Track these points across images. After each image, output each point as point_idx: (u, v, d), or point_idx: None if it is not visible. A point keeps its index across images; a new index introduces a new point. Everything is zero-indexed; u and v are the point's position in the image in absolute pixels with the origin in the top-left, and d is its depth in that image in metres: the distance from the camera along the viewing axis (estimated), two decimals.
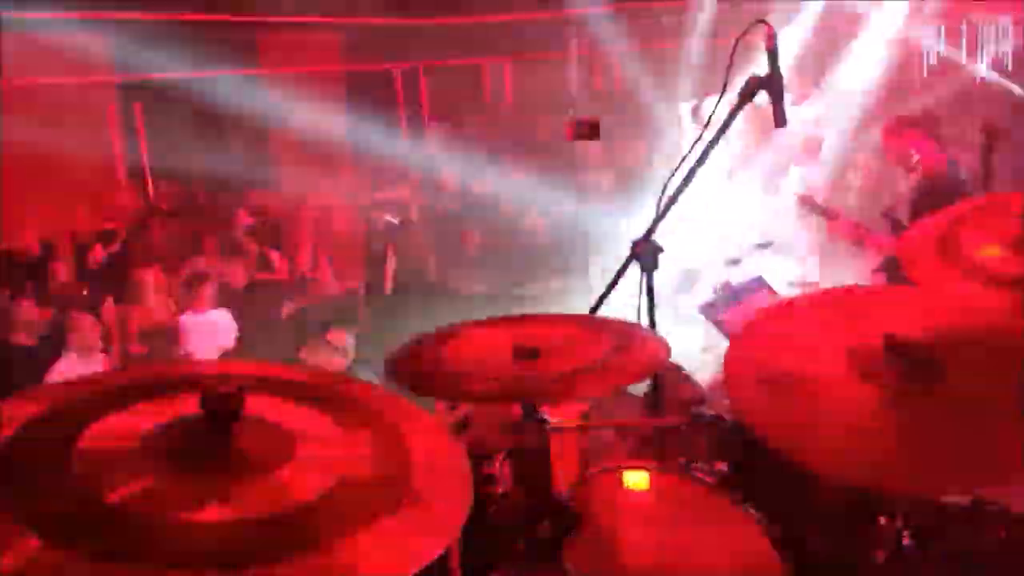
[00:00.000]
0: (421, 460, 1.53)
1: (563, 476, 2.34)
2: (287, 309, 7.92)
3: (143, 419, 1.47)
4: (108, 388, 1.58)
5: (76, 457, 1.35)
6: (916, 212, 5.13)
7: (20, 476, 1.30)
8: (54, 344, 6.23)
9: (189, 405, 1.46)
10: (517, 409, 2.47)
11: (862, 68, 10.47)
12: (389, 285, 8.70)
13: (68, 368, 5.92)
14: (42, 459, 1.34)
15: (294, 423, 1.55)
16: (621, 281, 2.77)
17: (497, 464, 2.22)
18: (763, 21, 2.50)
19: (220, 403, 1.43)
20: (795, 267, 8.60)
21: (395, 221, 9.64)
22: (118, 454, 1.38)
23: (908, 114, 5.52)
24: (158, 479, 1.35)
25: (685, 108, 8.88)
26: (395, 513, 1.39)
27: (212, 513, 1.30)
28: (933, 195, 5.06)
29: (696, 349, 6.94)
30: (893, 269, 5.07)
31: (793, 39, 9.70)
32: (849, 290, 2.71)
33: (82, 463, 1.34)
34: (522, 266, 9.99)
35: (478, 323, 2.63)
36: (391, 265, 8.77)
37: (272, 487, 1.39)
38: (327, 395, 1.69)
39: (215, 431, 1.44)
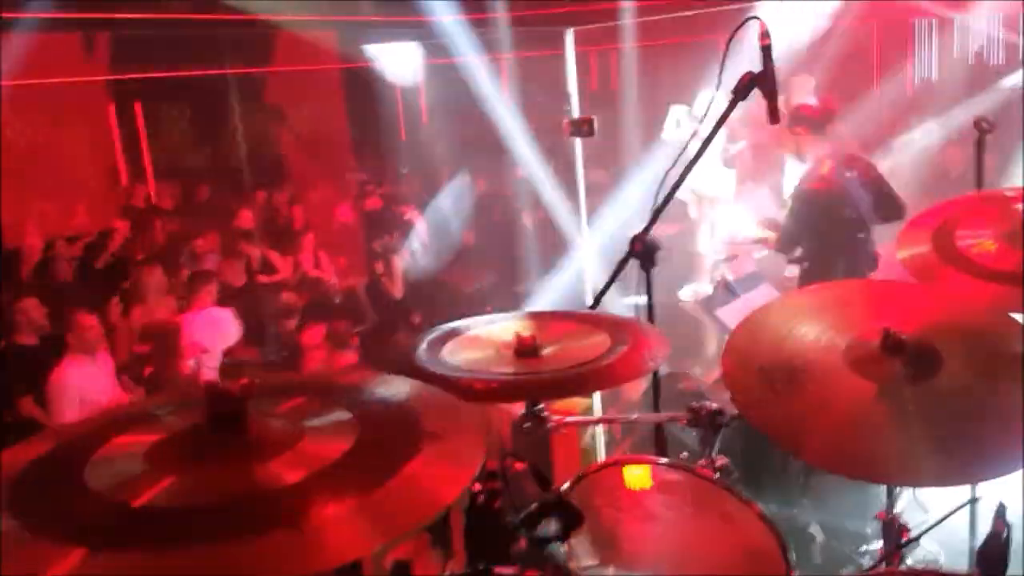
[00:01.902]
0: (424, 410, 1.64)
1: (565, 471, 2.36)
2: (290, 308, 7.92)
3: (145, 437, 1.52)
4: (106, 420, 1.66)
5: (93, 476, 1.42)
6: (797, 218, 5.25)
7: (45, 499, 1.38)
8: (56, 343, 6.25)
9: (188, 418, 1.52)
10: (518, 406, 2.49)
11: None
12: (399, 285, 8.66)
13: (72, 367, 5.94)
14: (61, 485, 1.42)
15: (295, 410, 1.62)
16: (619, 277, 2.78)
17: (499, 460, 2.23)
18: (756, 18, 2.51)
19: (223, 404, 1.45)
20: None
21: (404, 218, 9.64)
22: (132, 466, 1.44)
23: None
24: (177, 478, 1.39)
25: (679, 108, 8.88)
26: (421, 451, 1.47)
27: (260, 480, 1.39)
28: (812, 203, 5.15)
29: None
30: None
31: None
32: (846, 285, 2.73)
33: (100, 480, 1.41)
34: (522, 263, 10.00)
35: (479, 320, 2.64)
36: (399, 264, 8.75)
37: (296, 456, 1.45)
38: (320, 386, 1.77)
39: (222, 430, 1.45)
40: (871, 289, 2.42)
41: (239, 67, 12.14)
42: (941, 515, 2.28)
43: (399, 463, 1.43)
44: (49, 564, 1.22)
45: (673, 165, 2.67)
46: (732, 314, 4.91)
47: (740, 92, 2.49)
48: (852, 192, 5.13)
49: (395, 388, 1.74)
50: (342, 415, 1.59)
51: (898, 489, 2.54)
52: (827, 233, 5.07)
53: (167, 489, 1.37)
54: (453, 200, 11.00)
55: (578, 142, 6.03)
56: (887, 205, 5.30)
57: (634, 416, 3.34)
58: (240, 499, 1.35)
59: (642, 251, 2.62)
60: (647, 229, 2.65)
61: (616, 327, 2.47)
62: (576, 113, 5.72)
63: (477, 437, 1.56)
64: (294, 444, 1.47)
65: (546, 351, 2.33)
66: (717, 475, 2.28)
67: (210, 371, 6.29)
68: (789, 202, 5.37)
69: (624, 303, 2.80)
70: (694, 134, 2.91)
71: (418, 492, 1.39)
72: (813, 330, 2.12)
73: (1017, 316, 2.21)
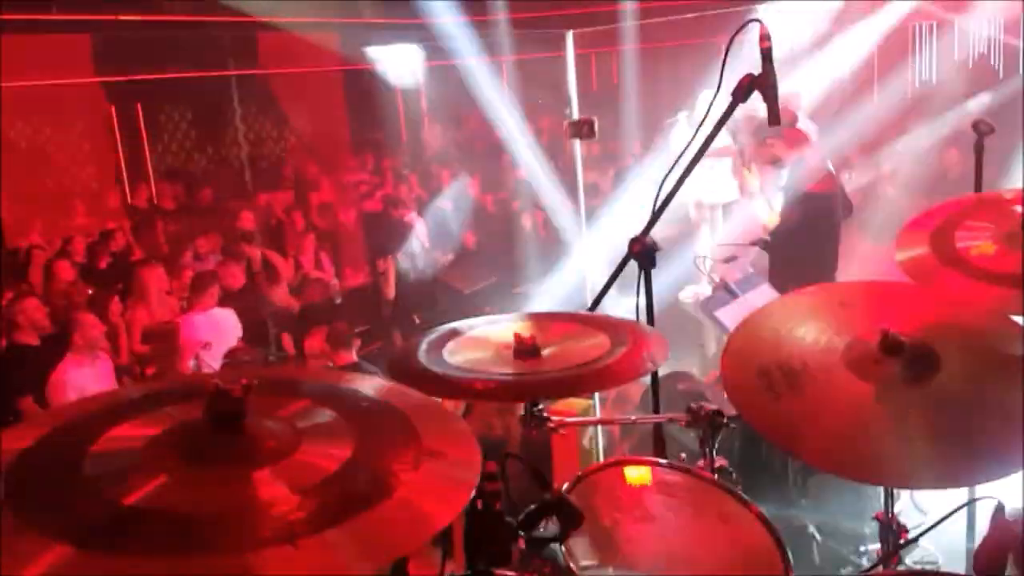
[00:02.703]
0: (422, 423, 1.60)
1: (564, 472, 2.36)
2: (290, 309, 7.93)
3: (145, 428, 1.50)
4: (106, 406, 1.62)
5: (88, 467, 1.38)
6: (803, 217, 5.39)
7: (37, 491, 1.34)
8: (58, 343, 6.25)
9: (188, 412, 1.50)
10: (518, 406, 2.50)
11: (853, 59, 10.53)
12: (392, 287, 8.69)
13: (72, 367, 5.94)
14: (55, 474, 1.38)
15: (294, 414, 1.59)
16: (619, 279, 2.79)
17: (499, 460, 2.24)
18: (757, 20, 2.52)
19: (224, 403, 1.45)
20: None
21: (404, 220, 9.65)
22: (128, 459, 1.41)
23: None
24: (171, 477, 1.37)
25: (681, 112, 8.92)
26: (418, 469, 1.45)
27: (255, 491, 1.36)
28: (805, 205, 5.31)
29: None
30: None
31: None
32: (845, 286, 2.73)
33: (94, 471, 1.38)
34: (522, 264, 10.00)
35: (479, 321, 2.65)
36: (392, 266, 8.77)
37: (293, 466, 1.42)
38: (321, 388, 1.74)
39: (221, 430, 1.45)
40: (870, 290, 2.42)
41: (240, 68, 12.15)
42: (939, 516, 2.29)
43: (395, 482, 1.40)
44: (31, 559, 1.18)
45: (672, 167, 2.67)
46: (731, 315, 4.93)
47: (740, 94, 2.50)
48: (839, 191, 5.35)
49: (396, 397, 1.72)
50: (341, 422, 1.56)
51: (896, 490, 2.55)
52: (825, 230, 5.27)
53: (159, 490, 1.34)
54: (453, 201, 11.00)
55: (578, 144, 6.04)
56: (844, 205, 5.56)
57: (633, 417, 3.35)
58: (231, 511, 1.32)
59: (641, 252, 2.62)
60: (646, 231, 2.65)
61: (615, 328, 2.47)
62: (576, 115, 5.74)
63: (474, 456, 1.54)
64: (290, 453, 1.45)
65: (546, 352, 2.34)
66: (716, 476, 2.28)
67: (211, 370, 6.29)
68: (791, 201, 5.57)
69: (624, 304, 2.79)
70: (693, 137, 2.92)
71: (413, 515, 1.36)
72: (812, 331, 2.13)
73: (1016, 318, 2.22)
